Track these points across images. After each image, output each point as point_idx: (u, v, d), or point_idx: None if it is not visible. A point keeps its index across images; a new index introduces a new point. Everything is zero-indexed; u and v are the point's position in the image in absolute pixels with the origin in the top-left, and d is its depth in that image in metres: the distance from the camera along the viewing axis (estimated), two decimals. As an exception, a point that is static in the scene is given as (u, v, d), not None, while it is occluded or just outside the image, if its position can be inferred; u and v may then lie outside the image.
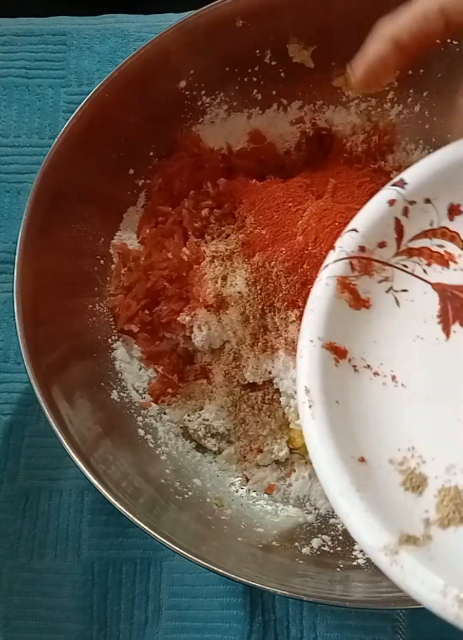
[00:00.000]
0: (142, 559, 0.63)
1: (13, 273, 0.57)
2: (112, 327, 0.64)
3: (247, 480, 0.62)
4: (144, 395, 0.63)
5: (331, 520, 0.60)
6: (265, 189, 0.64)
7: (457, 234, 0.46)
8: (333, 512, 0.60)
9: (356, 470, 0.41)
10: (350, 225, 0.46)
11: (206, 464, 0.62)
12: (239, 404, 0.63)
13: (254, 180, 0.66)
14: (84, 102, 0.61)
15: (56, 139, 0.60)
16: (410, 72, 0.65)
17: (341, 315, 0.44)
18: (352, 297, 0.45)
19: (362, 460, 0.41)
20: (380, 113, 0.69)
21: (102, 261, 0.65)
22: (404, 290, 0.46)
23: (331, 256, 0.45)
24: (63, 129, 0.60)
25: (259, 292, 0.60)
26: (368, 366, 0.44)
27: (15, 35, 0.80)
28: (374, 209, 0.46)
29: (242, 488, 0.62)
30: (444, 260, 0.46)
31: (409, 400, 0.43)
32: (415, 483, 0.41)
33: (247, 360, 0.62)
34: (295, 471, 0.62)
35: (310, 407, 0.42)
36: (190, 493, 0.59)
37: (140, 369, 0.64)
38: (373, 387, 0.44)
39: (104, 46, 0.80)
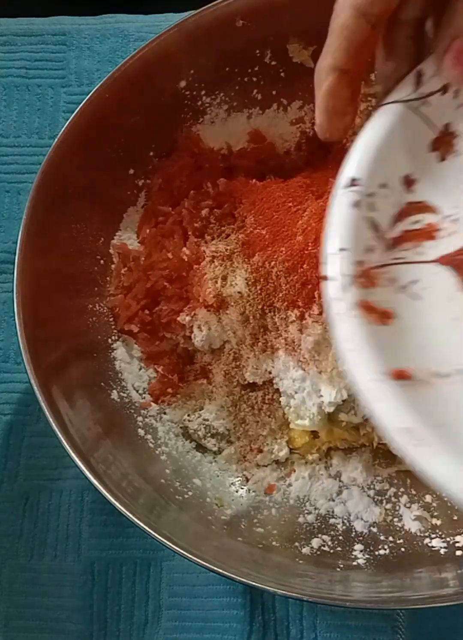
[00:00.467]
0: (142, 559, 0.63)
1: (13, 273, 0.57)
2: (112, 327, 0.64)
3: (247, 480, 0.62)
4: (144, 395, 0.63)
5: (331, 520, 0.60)
6: (265, 189, 0.64)
7: (423, 202, 0.44)
8: (333, 512, 0.60)
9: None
10: (333, 246, 0.43)
11: (206, 464, 0.62)
12: (239, 404, 0.63)
13: (254, 180, 0.66)
14: (84, 102, 0.61)
15: (56, 139, 0.60)
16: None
17: (380, 339, 0.41)
18: (377, 315, 0.42)
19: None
20: (380, 113, 0.69)
21: (102, 261, 0.65)
22: (414, 282, 0.44)
23: (336, 292, 0.42)
24: (63, 129, 0.60)
25: (259, 292, 0.60)
26: (429, 374, 0.41)
27: (15, 35, 0.80)
28: (345, 219, 0.43)
29: (242, 488, 0.62)
30: (429, 234, 0.44)
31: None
32: None
33: (247, 360, 0.62)
34: (294, 471, 0.62)
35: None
36: (190, 493, 0.59)
37: (140, 369, 0.64)
38: (452, 391, 0.41)
39: (104, 46, 0.80)
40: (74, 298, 0.62)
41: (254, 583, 0.50)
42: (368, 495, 0.61)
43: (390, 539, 0.58)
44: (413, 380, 0.41)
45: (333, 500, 0.61)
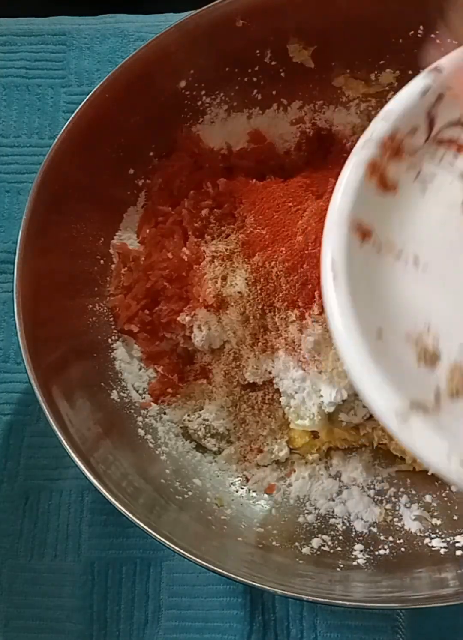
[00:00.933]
0: (142, 559, 0.63)
1: (13, 273, 0.57)
2: (112, 327, 0.64)
3: (247, 480, 0.62)
4: (144, 395, 0.63)
5: (331, 520, 0.60)
6: (265, 189, 0.64)
7: None
8: (333, 512, 0.60)
9: (373, 342, 0.43)
10: (382, 111, 0.47)
11: (206, 464, 0.62)
12: (239, 404, 0.63)
13: (254, 180, 0.66)
14: (84, 102, 0.61)
15: (56, 139, 0.60)
16: (410, 72, 0.65)
17: (369, 198, 0.46)
18: (380, 181, 0.46)
19: (380, 333, 0.43)
20: (380, 113, 0.69)
21: (102, 261, 0.65)
22: (431, 178, 0.47)
23: (362, 139, 0.46)
24: (63, 129, 0.60)
25: (259, 292, 0.60)
26: (392, 247, 0.46)
27: (15, 35, 0.80)
28: (407, 96, 0.47)
29: (242, 488, 0.62)
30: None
31: (429, 281, 0.45)
32: (429, 358, 0.43)
33: (247, 360, 0.62)
34: (294, 471, 0.62)
35: (334, 278, 0.44)
36: (190, 493, 0.59)
37: (140, 369, 0.64)
38: (395, 267, 0.46)
39: (104, 46, 0.80)
40: (74, 298, 0.62)
41: (254, 583, 0.50)
42: (368, 495, 0.61)
43: (390, 539, 0.58)
44: (372, 240, 0.45)
45: (333, 500, 0.61)
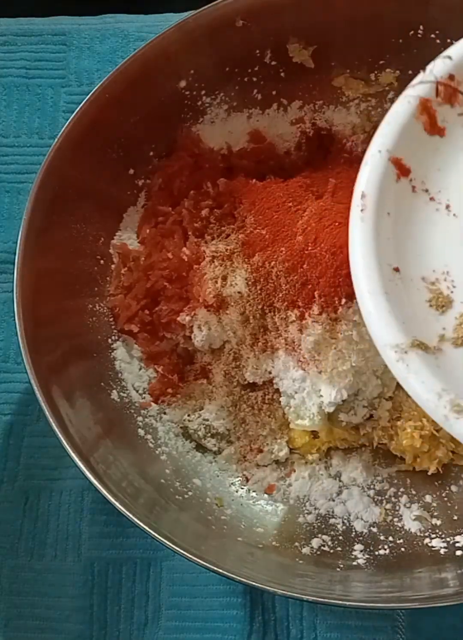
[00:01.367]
0: (142, 559, 0.63)
1: (13, 273, 0.57)
2: (112, 327, 0.64)
3: (247, 480, 0.62)
4: (144, 395, 0.63)
5: (331, 520, 0.60)
6: (265, 189, 0.64)
7: None
8: (333, 512, 0.60)
9: (389, 276, 0.44)
10: (446, 52, 0.46)
11: (206, 464, 0.62)
12: (239, 404, 0.63)
13: (254, 180, 0.66)
14: (84, 102, 0.61)
15: (56, 139, 0.60)
16: (410, 72, 0.65)
17: (415, 136, 0.46)
18: (430, 121, 0.46)
19: (397, 270, 0.44)
20: (380, 113, 0.69)
21: (102, 261, 0.65)
22: None
23: (419, 77, 0.46)
24: (63, 129, 0.60)
25: (259, 292, 0.60)
26: (427, 190, 0.46)
27: (15, 35, 0.80)
28: None
29: (242, 488, 0.62)
30: None
31: (456, 230, 0.46)
32: (441, 303, 0.44)
33: (247, 360, 0.62)
34: (294, 471, 0.62)
35: (361, 210, 0.44)
36: (190, 493, 0.59)
37: (140, 369, 0.64)
38: (426, 209, 0.46)
39: (104, 46, 0.80)
40: (74, 298, 0.62)
41: (254, 583, 0.50)
42: (368, 495, 0.61)
43: (390, 539, 0.58)
44: (408, 179, 0.46)
45: (333, 500, 0.61)
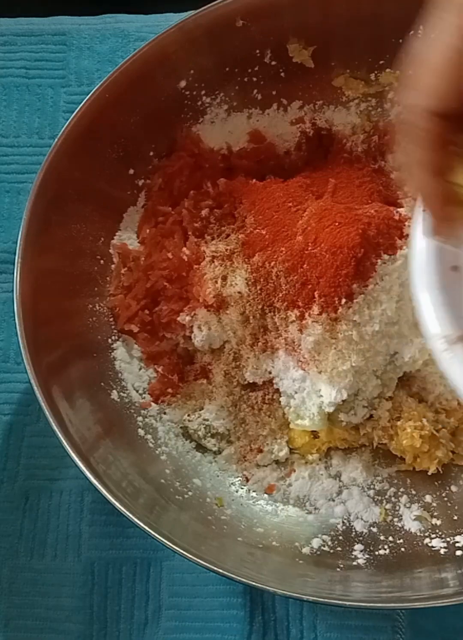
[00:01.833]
0: (142, 559, 0.63)
1: (13, 273, 0.57)
2: (112, 327, 0.64)
3: (247, 480, 0.62)
4: (144, 395, 0.63)
5: (331, 520, 0.60)
6: (265, 189, 0.64)
7: None
8: (333, 512, 0.60)
9: (447, 271, 0.46)
10: None
11: (206, 464, 0.62)
12: (239, 404, 0.63)
13: (254, 180, 0.66)
14: (84, 102, 0.61)
15: (56, 139, 0.60)
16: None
17: None
18: None
19: (455, 268, 0.47)
20: (380, 113, 0.69)
21: (102, 261, 0.65)
22: None
23: None
24: (63, 129, 0.60)
25: (259, 292, 0.60)
26: None
27: (15, 35, 0.80)
28: None
29: (242, 488, 0.62)
30: None
31: None
32: None
33: (247, 360, 0.62)
34: (294, 471, 0.62)
35: (424, 210, 0.46)
36: (190, 493, 0.59)
37: (140, 369, 0.64)
38: None
39: (104, 46, 0.80)
40: (74, 298, 0.62)
41: (254, 583, 0.50)
42: (368, 495, 0.61)
43: (390, 539, 0.58)
44: None
45: (333, 500, 0.61)
